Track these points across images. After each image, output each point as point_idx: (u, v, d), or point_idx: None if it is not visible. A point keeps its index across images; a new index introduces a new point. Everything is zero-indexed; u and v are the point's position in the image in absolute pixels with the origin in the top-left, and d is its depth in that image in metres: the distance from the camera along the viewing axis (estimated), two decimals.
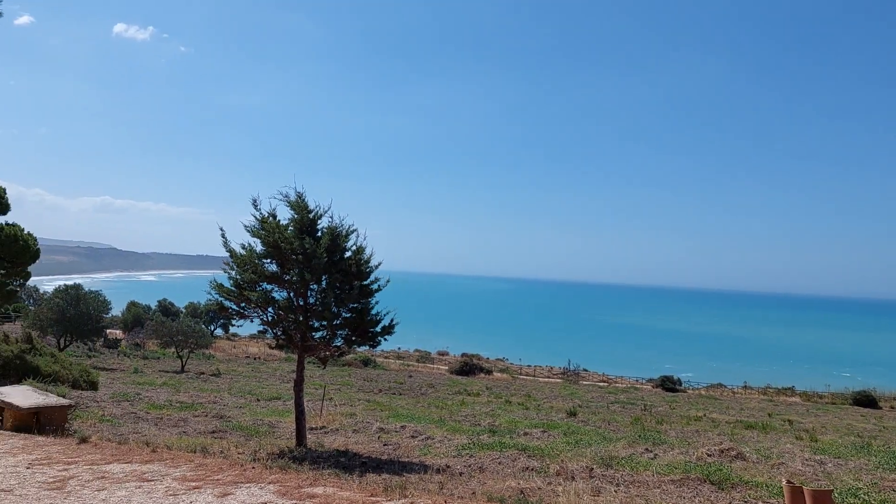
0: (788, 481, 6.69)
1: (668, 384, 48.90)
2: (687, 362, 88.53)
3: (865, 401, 42.08)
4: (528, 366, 63.25)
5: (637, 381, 55.46)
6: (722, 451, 13.14)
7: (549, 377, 55.66)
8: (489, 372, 52.34)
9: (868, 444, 16.66)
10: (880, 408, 41.35)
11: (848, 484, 10.18)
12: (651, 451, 13.46)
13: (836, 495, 8.73)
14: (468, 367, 51.58)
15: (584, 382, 50.92)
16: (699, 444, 14.62)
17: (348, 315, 11.82)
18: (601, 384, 50.05)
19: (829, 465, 12.45)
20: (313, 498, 7.11)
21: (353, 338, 12.00)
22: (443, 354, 68.28)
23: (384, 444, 13.70)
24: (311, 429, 15.09)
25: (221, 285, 11.93)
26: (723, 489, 9.59)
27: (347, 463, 10.64)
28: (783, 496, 6.54)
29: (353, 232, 12.04)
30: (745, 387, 52.12)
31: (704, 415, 26.57)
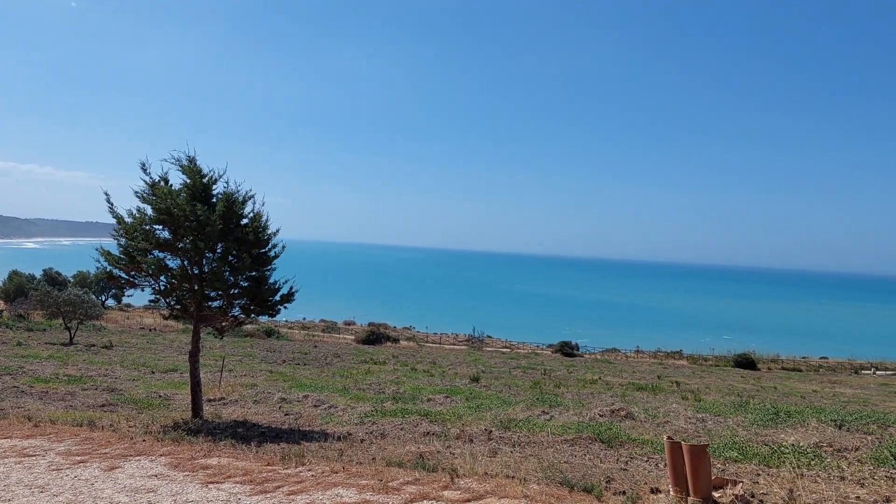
0: (669, 437, 7.09)
1: (567, 349, 50.63)
2: (585, 328, 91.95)
3: (746, 363, 45.09)
4: (435, 333, 63.91)
5: (538, 346, 57.11)
6: (613, 412, 13.79)
7: (454, 344, 56.47)
8: (396, 340, 52.54)
9: (746, 403, 17.90)
10: (759, 369, 44.44)
11: (725, 439, 10.93)
12: (547, 414, 13.97)
13: (712, 449, 9.36)
14: (375, 337, 51.54)
15: (488, 349, 52.00)
16: (592, 406, 15.28)
17: (245, 284, 11.53)
18: (504, 350, 51.24)
19: (710, 422, 13.30)
20: (207, 469, 6.97)
21: (251, 307, 11.73)
22: (349, 324, 67.88)
23: (285, 414, 13.55)
24: (210, 400, 14.75)
25: (109, 252, 11.36)
26: (612, 447, 10.09)
27: (245, 433, 10.47)
28: (665, 451, 6.95)
29: (250, 198, 11.70)
30: (638, 351, 54.72)
31: (599, 378, 27.76)
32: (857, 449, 9.90)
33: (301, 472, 6.91)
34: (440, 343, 56.74)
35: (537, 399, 16.88)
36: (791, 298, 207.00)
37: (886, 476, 8.16)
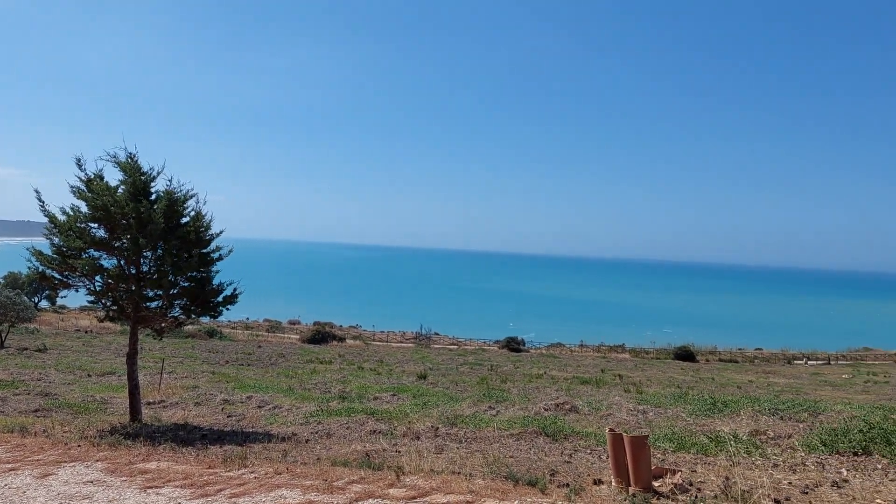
0: (611, 429, 7.24)
1: (513, 345, 51.18)
2: (531, 323, 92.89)
3: (685, 355, 46.43)
4: (382, 332, 63.66)
5: (485, 342, 57.48)
6: (558, 406, 13.99)
7: (401, 342, 56.37)
8: (342, 339, 52.12)
9: (685, 394, 18.41)
10: (697, 361, 45.81)
11: (665, 430, 11.22)
12: (494, 409, 14.08)
13: (653, 440, 9.60)
14: (320, 336, 51.00)
15: (436, 346, 52.09)
16: (538, 400, 15.47)
17: (187, 284, 11.25)
18: (452, 347, 51.42)
19: (651, 413, 13.63)
20: (145, 474, 6.79)
21: (193, 308, 11.46)
22: (294, 324, 66.96)
23: (228, 416, 13.32)
24: (149, 403, 14.38)
25: (41, 252, 10.94)
26: (556, 440, 10.24)
27: (186, 436, 10.24)
28: (607, 443, 7.09)
29: (191, 196, 11.43)
30: (582, 345, 55.67)
31: (545, 372, 28.15)
32: (789, 436, 10.29)
33: (244, 474, 6.80)
34: (387, 341, 56.57)
35: (484, 395, 16.99)
36: (729, 291, 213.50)
37: (816, 462, 8.51)
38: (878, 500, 6.37)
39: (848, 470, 7.95)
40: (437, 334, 62.20)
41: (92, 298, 11.62)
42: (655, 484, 6.79)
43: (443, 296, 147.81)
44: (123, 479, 6.62)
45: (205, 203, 11.59)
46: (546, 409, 13.64)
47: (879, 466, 8.15)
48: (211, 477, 6.66)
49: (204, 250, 11.35)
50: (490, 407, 14.28)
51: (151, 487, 6.31)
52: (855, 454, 8.92)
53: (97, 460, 7.37)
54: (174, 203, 11.11)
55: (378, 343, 54.00)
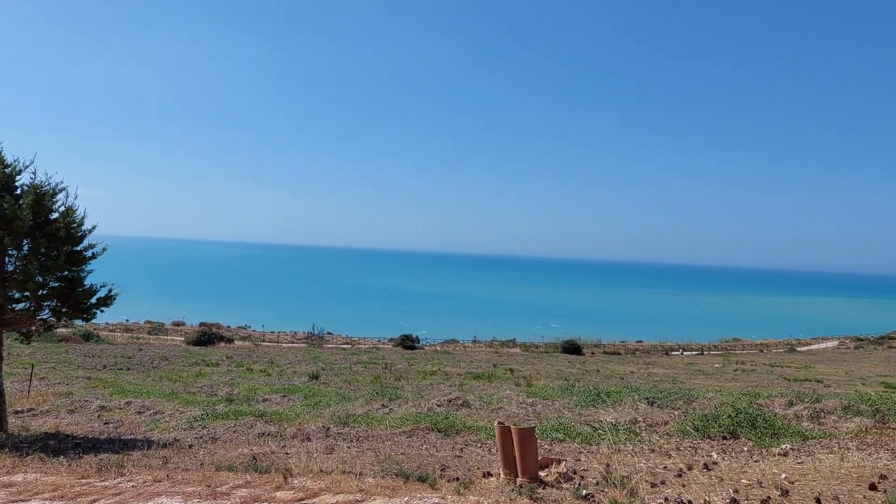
0: (500, 422, 7.40)
1: (408, 342, 51.28)
2: (424, 320, 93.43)
3: (572, 348, 48.16)
4: (272, 332, 62.05)
5: (379, 341, 57.25)
6: (450, 401, 14.16)
7: (293, 343, 55.20)
8: (230, 341, 50.38)
9: (572, 386, 19.10)
10: (584, 354, 47.63)
11: (552, 421, 11.60)
12: (387, 407, 14.07)
13: (540, 431, 9.91)
14: (207, 337, 49.06)
15: (329, 346, 51.37)
16: (431, 397, 15.59)
17: (56, 285, 10.54)
18: (345, 346, 50.86)
19: (539, 405, 14.05)
20: (10, 487, 6.32)
21: (64, 310, 10.75)
22: (178, 325, 64.02)
23: (105, 423, 12.62)
24: (17, 412, 13.39)
25: None
26: (448, 435, 10.37)
27: (58, 446, 9.61)
28: (496, 436, 7.25)
29: (61, 191, 10.71)
30: (475, 341, 56.59)
31: (439, 369, 28.41)
32: (666, 423, 10.91)
33: (120, 483, 6.45)
34: (278, 342, 55.26)
35: (377, 393, 16.94)
36: (613, 286, 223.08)
37: (690, 447, 9.06)
38: (743, 480, 6.86)
39: (718, 453, 8.52)
40: (331, 334, 61.30)
41: None
42: (542, 474, 7.01)
43: (335, 295, 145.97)
44: None
45: (76, 198, 10.91)
46: (439, 406, 13.77)
47: (745, 449, 8.79)
48: (84, 488, 6.28)
49: (75, 248, 10.67)
50: (383, 405, 14.26)
51: (17, 501, 5.88)
52: (724, 438, 9.58)
53: None
54: (42, 198, 10.38)
55: (268, 344, 52.64)
